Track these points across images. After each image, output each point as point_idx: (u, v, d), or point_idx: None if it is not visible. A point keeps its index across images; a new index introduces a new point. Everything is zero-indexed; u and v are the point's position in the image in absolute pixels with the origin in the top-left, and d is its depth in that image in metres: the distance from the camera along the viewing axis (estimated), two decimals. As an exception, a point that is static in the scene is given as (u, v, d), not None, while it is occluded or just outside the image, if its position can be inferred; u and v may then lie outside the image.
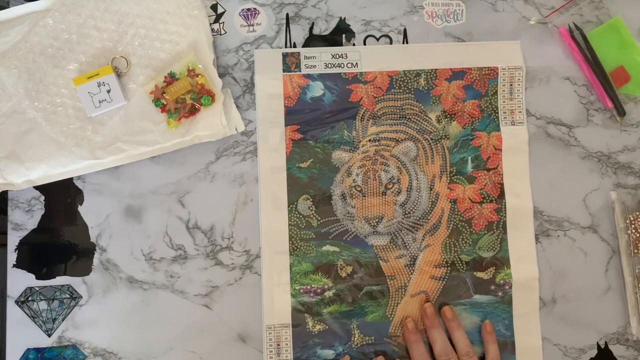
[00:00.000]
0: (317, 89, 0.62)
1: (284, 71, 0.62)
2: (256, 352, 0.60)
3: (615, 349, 0.61)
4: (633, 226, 0.60)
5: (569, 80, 0.64)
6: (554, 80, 0.64)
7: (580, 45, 0.63)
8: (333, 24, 0.64)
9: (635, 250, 0.60)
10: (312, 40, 0.63)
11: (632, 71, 0.62)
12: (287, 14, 0.64)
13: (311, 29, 0.64)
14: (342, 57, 0.63)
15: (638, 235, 0.60)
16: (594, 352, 0.61)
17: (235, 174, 0.62)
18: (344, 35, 0.63)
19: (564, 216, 0.62)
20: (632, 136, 0.63)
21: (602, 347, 0.61)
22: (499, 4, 0.64)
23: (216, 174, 0.62)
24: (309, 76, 0.62)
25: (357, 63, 0.63)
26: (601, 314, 0.61)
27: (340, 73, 0.62)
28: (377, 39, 0.64)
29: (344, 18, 0.64)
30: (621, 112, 0.62)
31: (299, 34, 0.63)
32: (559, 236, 0.62)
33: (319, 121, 0.62)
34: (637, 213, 0.61)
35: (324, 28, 0.64)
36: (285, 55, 0.63)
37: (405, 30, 0.64)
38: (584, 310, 0.61)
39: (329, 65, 0.62)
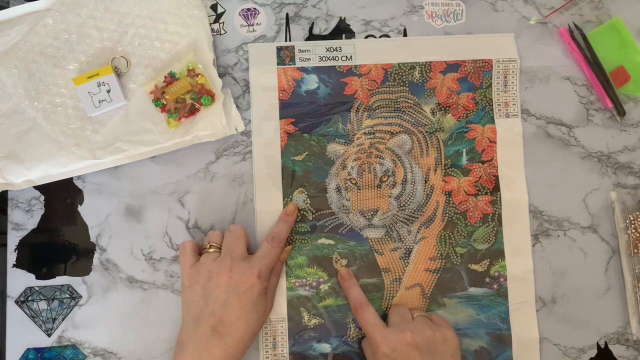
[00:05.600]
0: (311, 82, 0.62)
1: (278, 64, 0.62)
2: (256, 352, 0.60)
3: (615, 349, 0.61)
4: (633, 226, 0.60)
5: (569, 80, 0.64)
6: (554, 80, 0.64)
7: (580, 45, 0.63)
8: (333, 24, 0.64)
9: (635, 250, 0.60)
10: (312, 40, 0.63)
11: (632, 71, 0.62)
12: (287, 14, 0.64)
13: (311, 29, 0.64)
14: (337, 51, 0.63)
15: (638, 235, 0.60)
16: (593, 352, 0.61)
17: (235, 173, 0.62)
18: (344, 35, 0.63)
19: (564, 216, 0.62)
20: (632, 136, 0.63)
21: (602, 347, 0.61)
22: (498, 4, 0.64)
23: (216, 174, 0.62)
24: (303, 69, 0.63)
25: (351, 56, 0.63)
26: (601, 314, 0.61)
27: (335, 66, 0.62)
28: (377, 39, 0.64)
29: (344, 18, 0.64)
30: (621, 112, 0.62)
31: (299, 34, 0.63)
32: (559, 236, 0.62)
33: (313, 114, 0.62)
34: (637, 213, 0.61)
35: (323, 28, 0.64)
36: (279, 49, 0.63)
37: (405, 30, 0.64)
38: (583, 310, 0.61)
39: (324, 59, 0.63)
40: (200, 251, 0.58)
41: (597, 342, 0.61)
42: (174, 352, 0.54)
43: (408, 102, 0.62)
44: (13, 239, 0.61)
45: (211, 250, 0.57)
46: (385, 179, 0.61)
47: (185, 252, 0.57)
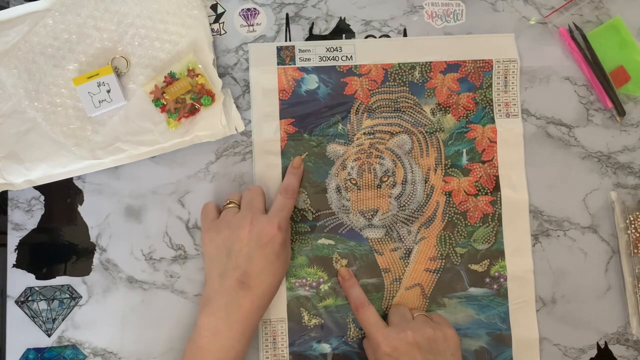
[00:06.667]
0: (311, 82, 0.62)
1: (278, 64, 0.62)
2: (256, 352, 0.60)
3: (615, 349, 0.61)
4: (633, 226, 0.60)
5: (569, 80, 0.64)
6: (554, 80, 0.64)
7: (580, 45, 0.63)
8: (333, 24, 0.64)
9: (635, 250, 0.60)
10: (312, 40, 0.63)
11: (632, 71, 0.62)
12: (287, 14, 0.64)
13: (311, 29, 0.64)
14: (337, 51, 0.63)
15: (638, 235, 0.60)
16: (593, 352, 0.61)
17: (235, 173, 0.62)
18: (343, 35, 0.63)
19: (564, 216, 0.62)
20: (632, 136, 0.63)
21: (602, 347, 0.61)
22: (498, 4, 0.64)
23: (216, 174, 0.62)
24: (303, 69, 0.62)
25: (351, 56, 0.63)
26: (601, 314, 0.61)
27: (335, 66, 0.62)
28: (377, 39, 0.64)
29: (344, 18, 0.64)
30: (621, 112, 0.62)
31: (298, 34, 0.63)
32: (559, 236, 0.62)
33: (313, 114, 0.62)
34: (637, 213, 0.61)
35: (323, 28, 0.64)
36: (279, 49, 0.63)
37: (405, 30, 0.64)
38: (584, 310, 0.61)
39: (324, 59, 0.62)
40: (220, 212, 0.58)
41: (597, 342, 0.61)
42: (200, 307, 0.55)
43: (408, 102, 0.62)
44: (13, 239, 0.60)
45: (230, 205, 0.57)
46: (385, 179, 0.61)
47: (207, 210, 0.58)
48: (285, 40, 0.63)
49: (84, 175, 0.61)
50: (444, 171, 0.62)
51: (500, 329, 0.60)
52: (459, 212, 0.61)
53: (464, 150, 0.62)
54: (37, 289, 0.60)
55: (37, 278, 0.60)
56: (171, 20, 0.61)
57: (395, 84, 0.63)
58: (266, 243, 0.54)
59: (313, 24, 0.64)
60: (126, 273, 0.60)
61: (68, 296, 0.60)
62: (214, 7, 0.63)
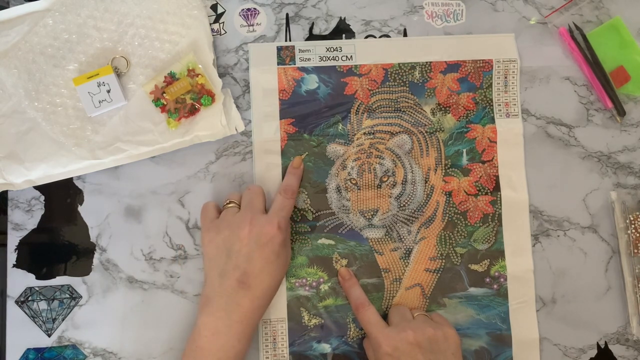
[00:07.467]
0: (311, 82, 0.62)
1: (278, 64, 0.62)
2: (256, 352, 0.60)
3: (615, 349, 0.61)
4: (633, 226, 0.60)
5: (569, 80, 0.64)
6: (554, 80, 0.64)
7: (580, 45, 0.63)
8: (333, 24, 0.64)
9: (635, 250, 0.60)
10: (312, 40, 0.63)
11: (632, 71, 0.62)
12: (287, 14, 0.64)
13: (311, 29, 0.64)
14: (337, 51, 0.63)
15: (638, 235, 0.60)
16: (593, 352, 0.61)
17: (235, 173, 0.62)
18: (344, 35, 0.63)
19: (564, 216, 0.62)
20: (632, 136, 0.63)
21: (602, 347, 0.61)
22: (499, 4, 0.64)
23: (216, 174, 0.62)
24: (303, 69, 0.63)
25: (351, 56, 0.63)
26: (601, 314, 0.61)
27: (335, 66, 0.62)
28: (377, 39, 0.64)
29: (344, 18, 0.64)
30: (621, 112, 0.62)
31: (298, 34, 0.63)
32: (559, 236, 0.62)
33: (313, 114, 0.62)
34: (637, 213, 0.61)
35: (323, 28, 0.64)
36: (279, 49, 0.63)
37: (405, 30, 0.64)
38: (584, 310, 0.61)
39: (324, 58, 0.63)
40: (220, 212, 0.58)
41: (597, 342, 0.61)
42: (199, 307, 0.55)
43: (408, 102, 0.62)
44: (13, 239, 0.60)
45: (230, 205, 0.57)
46: (385, 179, 0.61)
47: (206, 209, 0.58)
48: (285, 40, 0.63)
49: (84, 175, 0.61)
50: (444, 171, 0.62)
51: (501, 329, 0.60)
52: (459, 212, 0.61)
53: (464, 150, 0.62)
54: (37, 289, 0.60)
55: (37, 278, 0.60)
56: (171, 20, 0.61)
57: (395, 84, 0.63)
58: (266, 243, 0.54)
59: (313, 24, 0.64)
60: (126, 273, 0.60)
61: (68, 296, 0.60)
62: (214, 7, 0.63)
